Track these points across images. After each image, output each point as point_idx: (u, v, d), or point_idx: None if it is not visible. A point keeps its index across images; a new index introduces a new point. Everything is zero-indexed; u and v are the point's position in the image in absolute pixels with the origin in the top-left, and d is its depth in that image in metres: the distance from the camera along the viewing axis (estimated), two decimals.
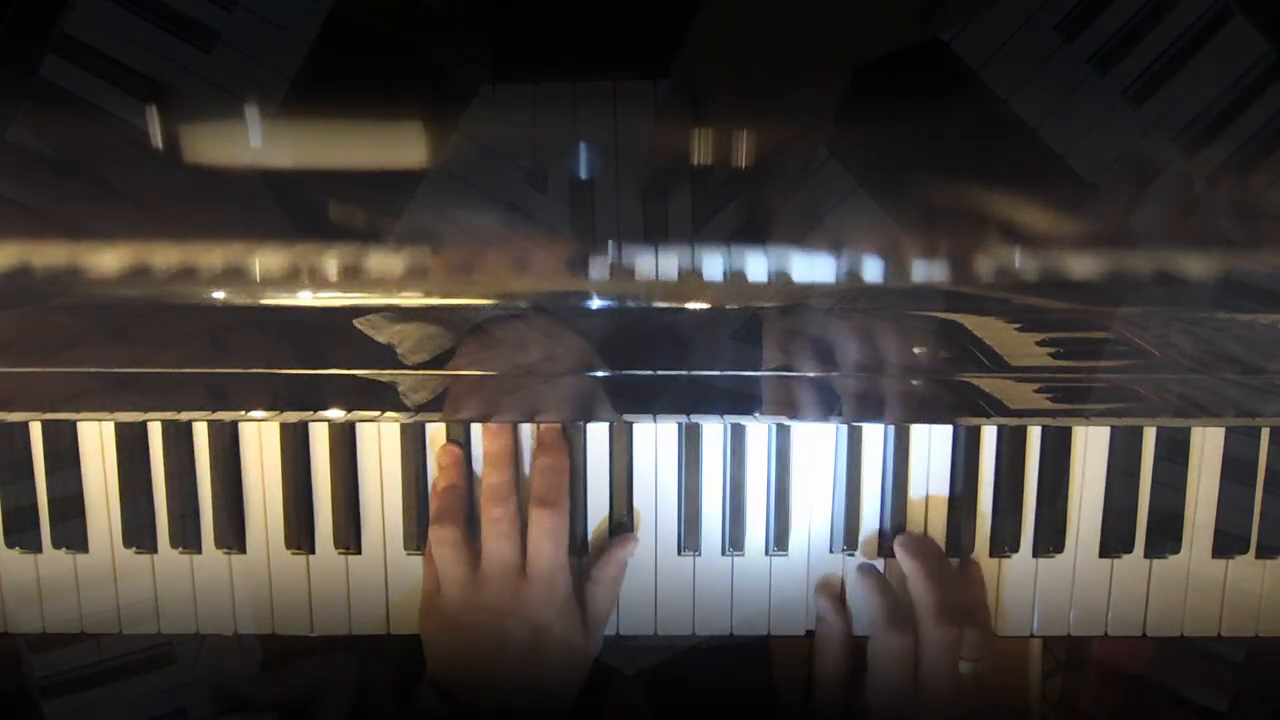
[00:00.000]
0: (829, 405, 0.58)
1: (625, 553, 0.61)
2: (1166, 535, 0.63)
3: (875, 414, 0.59)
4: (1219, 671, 0.75)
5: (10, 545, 0.62)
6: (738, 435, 0.62)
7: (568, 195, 0.53)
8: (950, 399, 0.57)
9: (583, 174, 0.53)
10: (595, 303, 0.54)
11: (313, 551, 0.63)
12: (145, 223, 0.53)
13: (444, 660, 0.59)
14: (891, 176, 0.53)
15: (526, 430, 0.62)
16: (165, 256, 0.53)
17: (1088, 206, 0.53)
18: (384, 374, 0.57)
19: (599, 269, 0.54)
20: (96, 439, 0.62)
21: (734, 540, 0.62)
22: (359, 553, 0.63)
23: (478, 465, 0.62)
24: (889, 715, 0.58)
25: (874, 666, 0.60)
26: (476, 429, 0.62)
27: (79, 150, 0.52)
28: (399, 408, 0.58)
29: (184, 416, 0.60)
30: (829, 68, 0.52)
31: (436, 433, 0.62)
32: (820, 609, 0.62)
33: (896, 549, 0.61)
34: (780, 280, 0.54)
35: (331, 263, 0.54)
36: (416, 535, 0.62)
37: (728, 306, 0.55)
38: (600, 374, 0.57)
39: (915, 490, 0.63)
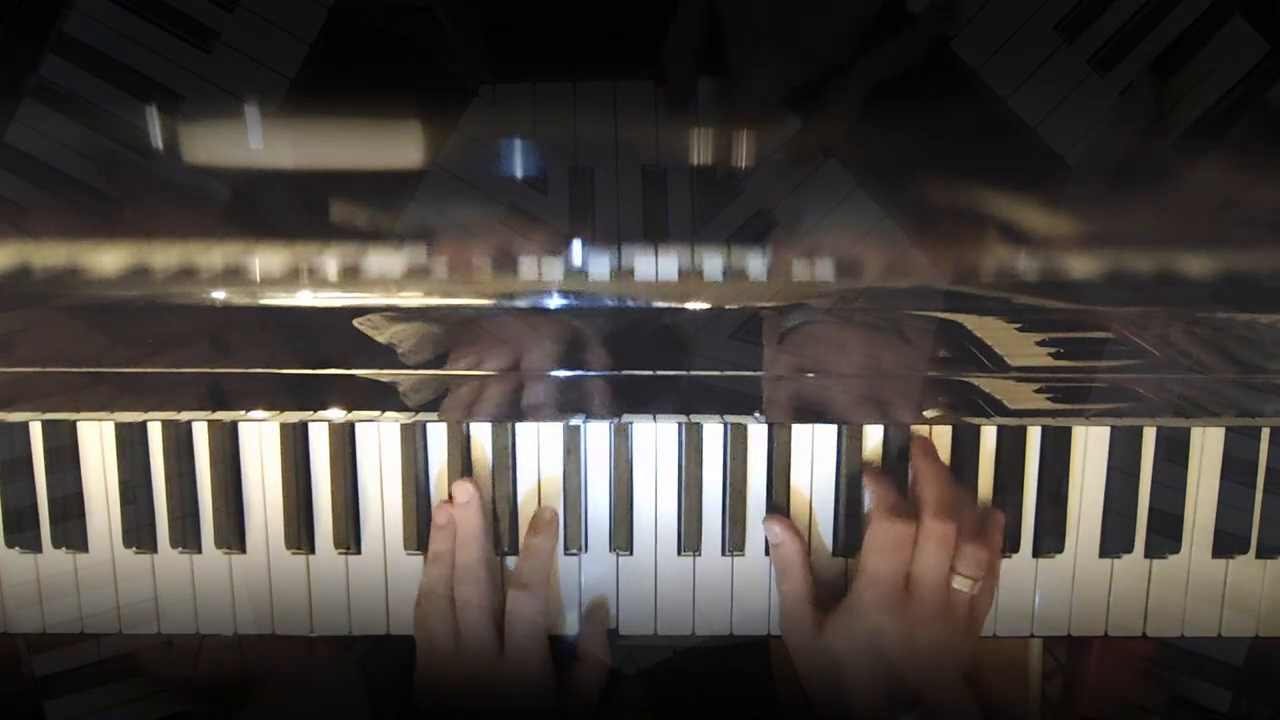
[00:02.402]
0: (828, 406, 0.58)
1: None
2: (1166, 535, 0.63)
3: (875, 415, 0.60)
4: (1219, 671, 0.75)
5: (10, 545, 0.62)
6: (738, 435, 0.62)
7: (568, 195, 0.53)
8: (950, 399, 0.58)
9: (583, 174, 0.53)
10: (595, 303, 0.54)
11: (313, 551, 0.63)
12: (145, 223, 0.53)
13: (431, 703, 0.60)
14: (891, 177, 0.53)
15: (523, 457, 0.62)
16: (165, 256, 0.53)
17: (1087, 206, 0.53)
18: (384, 374, 0.57)
19: (599, 269, 0.54)
20: (96, 439, 0.62)
21: (734, 540, 0.62)
22: (359, 553, 0.63)
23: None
24: (875, 617, 0.56)
25: (865, 557, 0.58)
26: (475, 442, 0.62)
27: (79, 150, 0.52)
28: (399, 408, 0.58)
29: (184, 416, 0.60)
30: (829, 68, 0.52)
31: (436, 433, 0.62)
32: (772, 535, 0.61)
33: (912, 450, 0.60)
34: (780, 280, 0.54)
35: (331, 263, 0.54)
36: (416, 535, 0.62)
37: (728, 306, 0.55)
38: (600, 373, 0.57)
39: None
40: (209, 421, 0.61)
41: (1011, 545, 0.63)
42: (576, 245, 0.54)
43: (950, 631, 0.57)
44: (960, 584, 0.57)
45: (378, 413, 0.59)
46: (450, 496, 0.61)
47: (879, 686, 0.56)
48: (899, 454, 0.61)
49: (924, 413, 0.58)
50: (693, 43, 0.51)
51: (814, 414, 0.59)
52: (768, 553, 0.62)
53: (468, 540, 0.60)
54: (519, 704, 0.59)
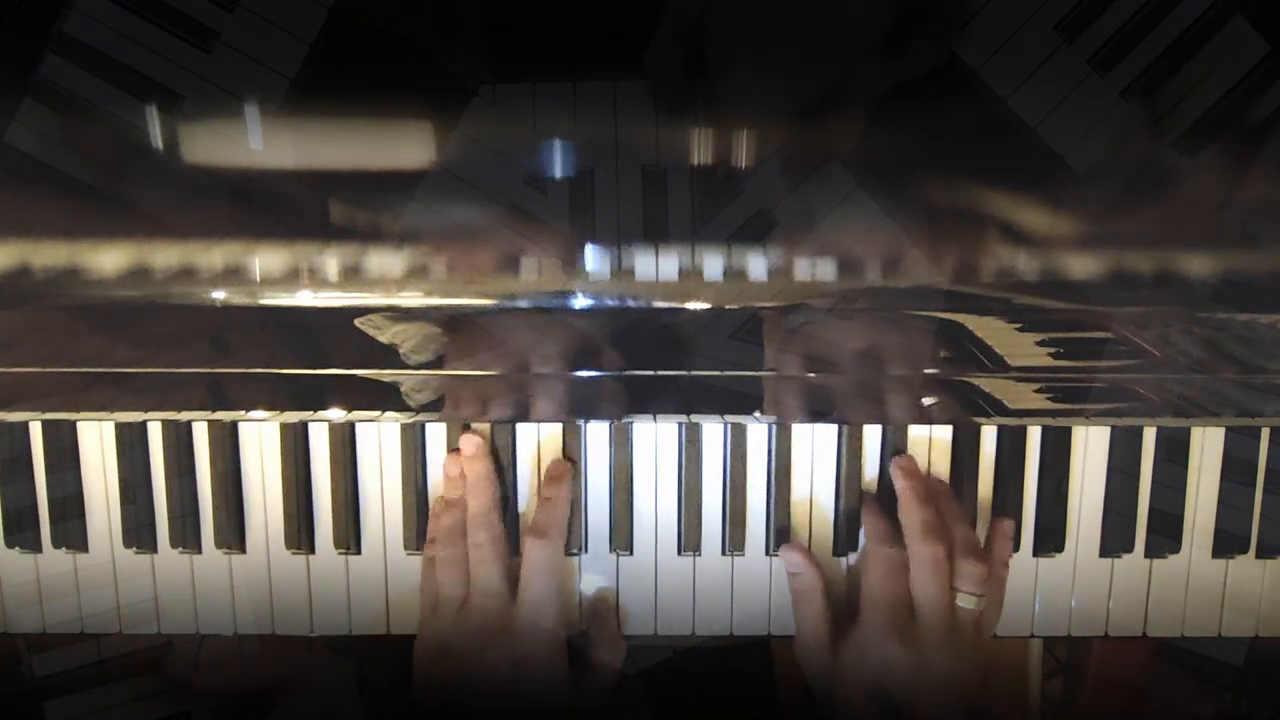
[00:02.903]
0: (828, 406, 0.58)
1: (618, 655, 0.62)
2: (1166, 535, 0.63)
3: (875, 415, 0.59)
4: (1219, 672, 0.75)
5: (10, 545, 0.62)
6: (738, 435, 0.62)
7: (568, 195, 0.53)
8: (950, 399, 0.57)
9: (583, 174, 0.53)
10: (596, 303, 0.54)
11: (313, 551, 0.63)
12: (145, 223, 0.53)
13: (428, 678, 0.59)
14: (892, 176, 0.53)
15: (525, 446, 0.62)
16: (165, 256, 0.53)
17: (1087, 206, 0.53)
18: (384, 374, 0.57)
19: (599, 269, 0.54)
20: (96, 439, 0.62)
21: (734, 540, 0.62)
22: (359, 553, 0.63)
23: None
24: (883, 646, 0.56)
25: (864, 588, 0.59)
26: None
27: (79, 150, 0.52)
28: (399, 408, 0.58)
29: (184, 416, 0.60)
30: (830, 69, 0.52)
31: (436, 433, 0.62)
32: (791, 564, 0.61)
33: (892, 468, 0.61)
34: (780, 280, 0.54)
35: (331, 263, 0.54)
36: (416, 535, 0.62)
37: (728, 306, 0.55)
38: (600, 373, 0.57)
39: None
40: (209, 421, 0.61)
41: (1012, 545, 0.63)
42: (576, 245, 0.54)
43: (959, 648, 0.57)
44: (964, 601, 0.57)
45: (378, 413, 0.59)
46: (458, 450, 0.61)
47: (894, 704, 0.56)
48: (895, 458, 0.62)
49: (923, 412, 0.58)
50: (674, 54, 0.51)
51: (814, 414, 0.59)
52: (768, 553, 0.62)
53: (479, 487, 0.60)
54: (530, 664, 0.57)
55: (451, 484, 0.61)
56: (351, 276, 0.54)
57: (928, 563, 0.57)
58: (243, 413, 0.59)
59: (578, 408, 0.58)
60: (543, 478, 0.61)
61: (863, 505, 0.62)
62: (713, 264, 0.54)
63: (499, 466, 0.62)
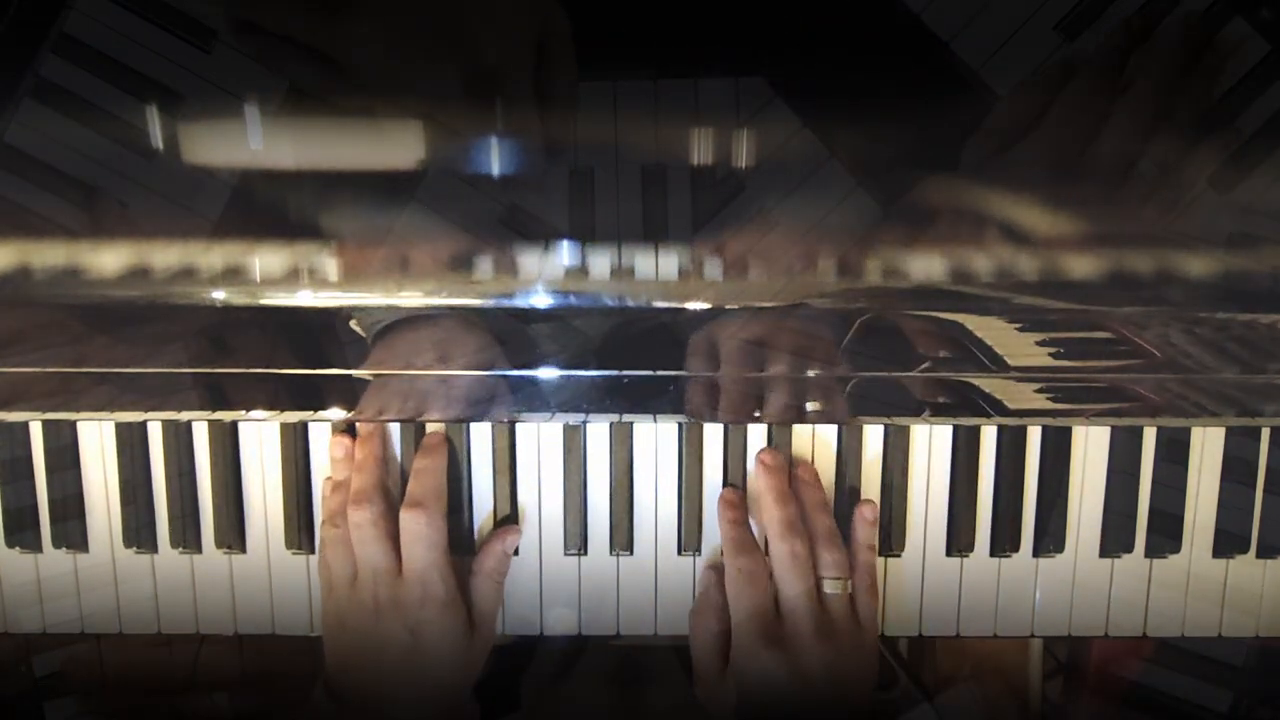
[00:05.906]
0: (827, 405, 0.58)
1: (505, 545, 0.61)
2: (1166, 535, 0.63)
3: (874, 414, 0.59)
4: (1219, 671, 0.75)
5: (10, 545, 0.62)
6: (737, 435, 0.62)
7: (568, 195, 0.53)
8: (950, 399, 0.57)
9: (582, 174, 0.53)
10: (595, 302, 0.54)
11: (313, 551, 0.63)
12: (145, 223, 0.53)
13: (336, 661, 0.59)
14: (892, 176, 0.53)
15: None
16: (165, 256, 0.53)
17: (1088, 206, 0.53)
18: (384, 374, 0.57)
19: (599, 269, 0.54)
20: (96, 439, 0.62)
21: None
22: None
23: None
24: (756, 656, 0.56)
25: (730, 602, 0.58)
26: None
27: (79, 150, 0.52)
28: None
29: (184, 416, 0.60)
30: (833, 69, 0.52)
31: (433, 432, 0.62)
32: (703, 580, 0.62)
33: (755, 463, 0.61)
34: (780, 280, 0.54)
35: (331, 263, 0.54)
36: None
37: (728, 306, 0.55)
38: (600, 373, 0.57)
39: (915, 490, 0.63)
40: (209, 421, 0.61)
41: (1011, 545, 0.63)
42: (577, 245, 0.54)
43: (836, 637, 0.57)
44: (830, 586, 0.58)
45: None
46: (346, 433, 0.61)
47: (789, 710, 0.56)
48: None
49: (923, 412, 0.58)
50: None
51: (813, 413, 0.59)
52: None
53: (363, 465, 0.59)
54: (425, 631, 0.57)
55: (336, 466, 0.61)
56: (351, 276, 0.54)
57: (787, 559, 0.57)
58: (243, 413, 0.59)
59: (578, 407, 0.58)
60: (418, 450, 0.61)
61: (718, 509, 0.61)
62: (713, 264, 0.54)
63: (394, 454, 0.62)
